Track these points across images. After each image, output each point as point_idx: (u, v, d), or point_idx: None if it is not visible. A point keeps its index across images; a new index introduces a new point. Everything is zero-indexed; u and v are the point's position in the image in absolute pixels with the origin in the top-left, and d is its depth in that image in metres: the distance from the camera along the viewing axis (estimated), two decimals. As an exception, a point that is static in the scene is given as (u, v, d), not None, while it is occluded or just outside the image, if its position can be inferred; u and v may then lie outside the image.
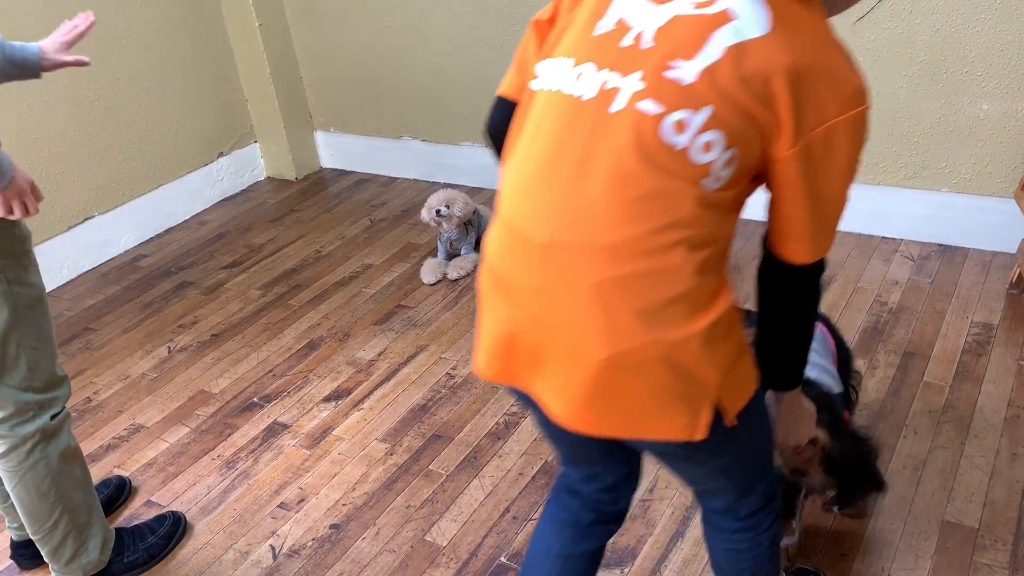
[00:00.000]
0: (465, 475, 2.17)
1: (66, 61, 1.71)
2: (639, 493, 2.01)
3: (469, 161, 3.71)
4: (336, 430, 2.39)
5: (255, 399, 2.56)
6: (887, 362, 2.36)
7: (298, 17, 3.83)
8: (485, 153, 3.65)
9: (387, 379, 2.57)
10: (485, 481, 2.14)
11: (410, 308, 2.92)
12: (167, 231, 3.74)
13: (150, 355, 2.85)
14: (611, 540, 1.53)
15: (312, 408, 2.49)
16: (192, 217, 3.84)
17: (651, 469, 2.07)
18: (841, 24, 2.69)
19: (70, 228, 3.40)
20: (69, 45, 1.72)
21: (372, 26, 3.65)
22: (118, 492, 2.24)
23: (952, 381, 2.26)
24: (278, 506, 2.15)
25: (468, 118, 3.63)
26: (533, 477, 2.13)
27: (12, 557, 2.04)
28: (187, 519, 2.13)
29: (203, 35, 3.77)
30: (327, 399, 2.52)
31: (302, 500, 2.16)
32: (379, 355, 2.69)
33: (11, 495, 1.80)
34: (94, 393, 2.69)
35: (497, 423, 2.33)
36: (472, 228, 3.15)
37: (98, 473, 2.33)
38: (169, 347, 2.88)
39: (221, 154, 3.95)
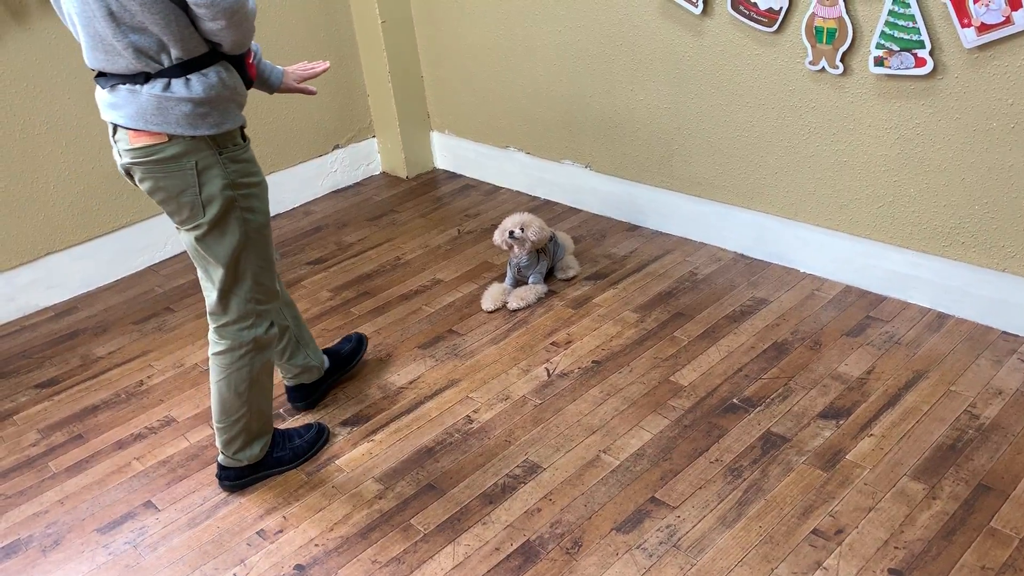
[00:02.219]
0: (442, 537, 2.05)
1: (298, 88, 2.22)
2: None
3: (568, 180, 3.53)
4: (340, 459, 2.33)
5: (280, 410, 2.55)
6: (952, 493, 1.99)
7: (422, 17, 3.77)
8: (584, 173, 3.46)
9: (408, 411, 2.48)
10: (459, 549, 2.01)
11: (459, 335, 2.81)
12: (274, 217, 3.83)
13: (207, 347, 2.92)
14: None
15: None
16: (300, 206, 3.92)
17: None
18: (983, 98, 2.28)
19: (177, 207, 3.56)
20: (303, 79, 2.22)
21: (484, 34, 3.54)
22: (358, 345, 2.62)
23: (1025, 534, 1.87)
24: (256, 533, 2.13)
25: (567, 135, 3.45)
26: (508, 556, 1.97)
27: (288, 400, 2.51)
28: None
29: (330, 27, 3.80)
30: (344, 423, 2.47)
31: (280, 531, 2.12)
32: (411, 383, 2.61)
33: (212, 386, 2.13)
34: (148, 377, 2.80)
35: (495, 484, 2.18)
36: (544, 256, 2.99)
37: (119, 462, 2.42)
38: (228, 340, 2.94)
39: (337, 146, 4.00)
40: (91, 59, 1.82)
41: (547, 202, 3.65)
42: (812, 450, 2.16)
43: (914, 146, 2.48)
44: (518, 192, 3.78)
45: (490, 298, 2.94)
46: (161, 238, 3.53)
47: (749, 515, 2.00)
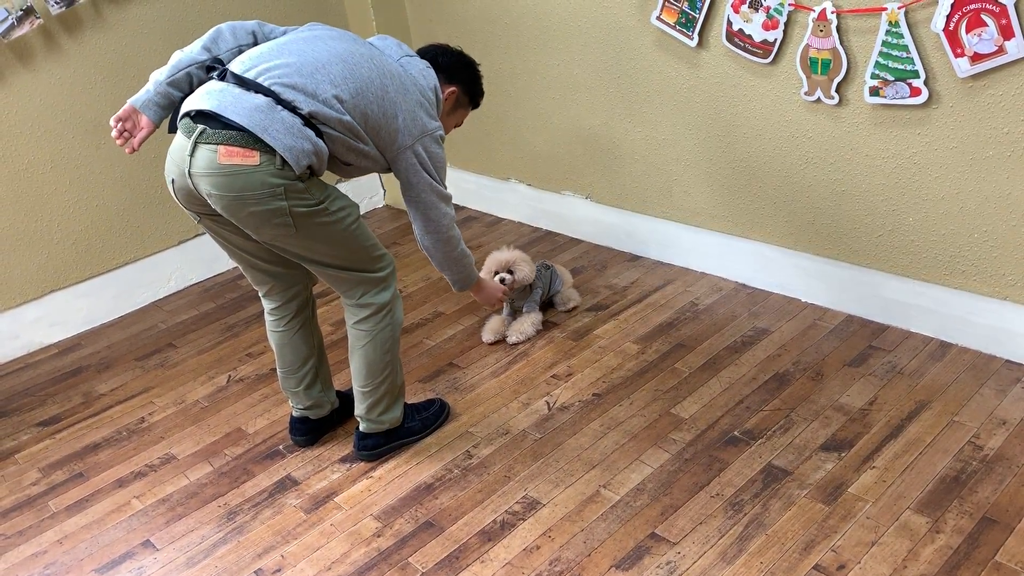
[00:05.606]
0: (440, 576, 2.03)
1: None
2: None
3: (569, 211, 3.54)
4: (339, 497, 2.32)
5: (280, 447, 2.55)
6: (956, 527, 1.96)
7: (422, 50, 3.81)
8: (585, 205, 3.46)
9: (407, 447, 2.47)
10: (457, 587, 1.99)
11: (460, 368, 2.81)
12: (277, 251, 3.85)
13: (211, 382, 2.93)
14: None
15: (327, 467, 2.44)
16: (303, 239, 3.93)
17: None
18: (975, 116, 2.28)
19: (181, 243, 3.58)
20: None
21: (485, 67, 3.56)
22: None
23: (1031, 568, 1.84)
24: (254, 572, 2.11)
25: (567, 167, 3.46)
26: (506, 593, 1.96)
27: (290, 432, 2.53)
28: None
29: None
30: (343, 460, 2.46)
31: (279, 570, 2.11)
32: (411, 418, 2.60)
33: (356, 353, 2.28)
34: (149, 414, 2.80)
35: (494, 520, 2.17)
36: (538, 285, 2.98)
37: (119, 500, 2.41)
38: (230, 376, 2.95)
39: (339, 181, 4.02)
40: (279, 68, 2.01)
41: (548, 233, 3.66)
42: (814, 483, 2.14)
43: (911, 175, 2.47)
44: (519, 223, 3.79)
45: (490, 330, 2.94)
46: (164, 274, 3.55)
47: (750, 551, 1.97)
